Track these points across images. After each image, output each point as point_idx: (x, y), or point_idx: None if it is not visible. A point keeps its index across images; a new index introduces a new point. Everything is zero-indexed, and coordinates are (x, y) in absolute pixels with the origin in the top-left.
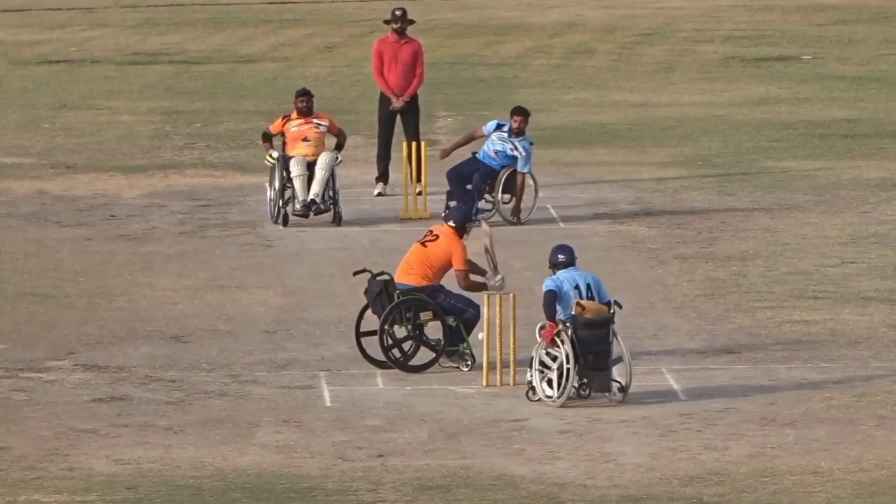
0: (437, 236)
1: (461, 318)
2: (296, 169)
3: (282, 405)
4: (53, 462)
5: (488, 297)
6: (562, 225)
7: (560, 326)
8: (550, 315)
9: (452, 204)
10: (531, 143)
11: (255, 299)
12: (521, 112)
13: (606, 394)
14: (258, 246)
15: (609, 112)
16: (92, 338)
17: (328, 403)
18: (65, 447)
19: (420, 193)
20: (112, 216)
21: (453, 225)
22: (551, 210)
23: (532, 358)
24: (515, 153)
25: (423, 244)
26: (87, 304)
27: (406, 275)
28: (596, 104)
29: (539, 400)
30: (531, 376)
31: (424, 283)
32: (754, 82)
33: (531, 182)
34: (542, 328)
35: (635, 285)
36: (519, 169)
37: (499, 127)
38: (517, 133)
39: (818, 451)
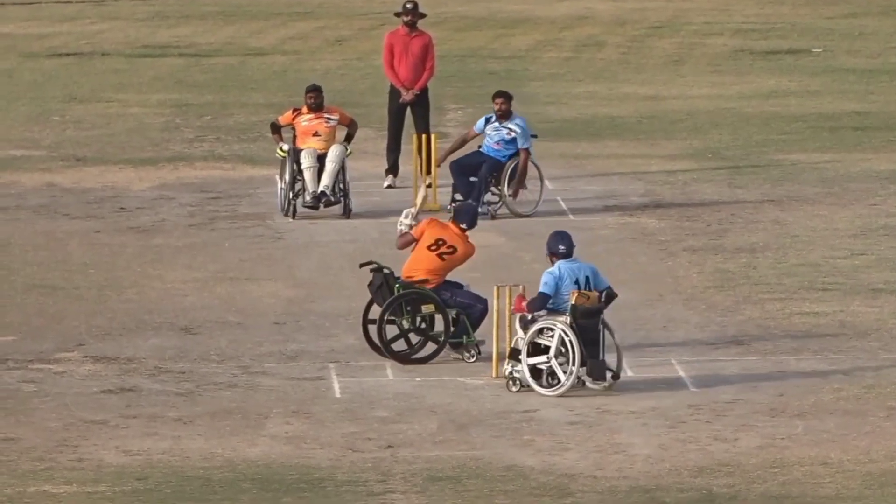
0: (454, 248)
1: (468, 313)
2: (306, 160)
3: (291, 396)
4: (63, 453)
5: (498, 289)
6: (571, 217)
7: (534, 313)
8: (534, 310)
9: (458, 197)
10: (529, 126)
11: (264, 291)
12: (501, 94)
13: (599, 382)
14: (268, 238)
15: (619, 105)
16: (101, 329)
17: (338, 395)
18: (74, 438)
19: (430, 186)
20: (121, 208)
21: (465, 227)
22: (561, 202)
23: (513, 350)
24: (513, 135)
25: (440, 257)
26: (96, 296)
27: (413, 273)
28: (606, 97)
29: (520, 390)
30: (512, 367)
31: (432, 282)
32: (764, 75)
33: (536, 170)
34: (524, 320)
35: (645, 277)
36: (519, 146)
37: (487, 121)
38: (503, 115)
39: (827, 442)
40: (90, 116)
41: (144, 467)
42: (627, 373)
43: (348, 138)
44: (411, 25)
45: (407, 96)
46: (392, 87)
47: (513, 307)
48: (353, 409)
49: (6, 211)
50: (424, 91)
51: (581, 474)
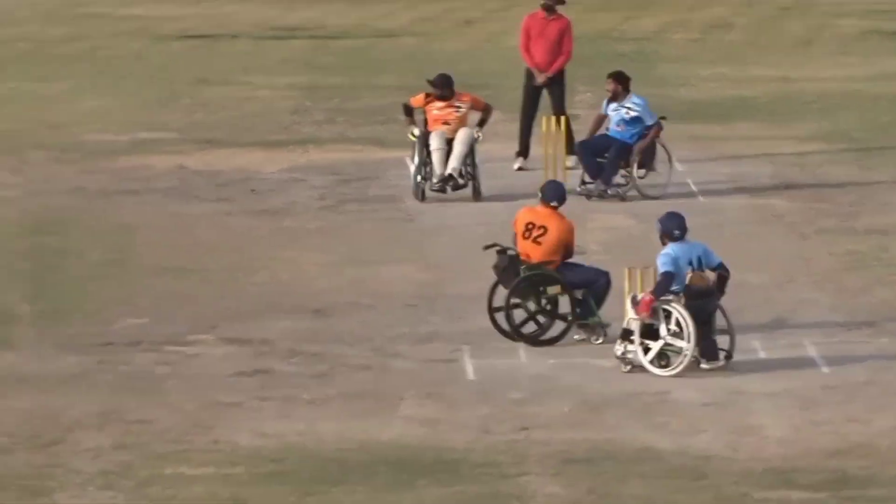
0: (545, 229)
1: (592, 288)
2: (435, 142)
3: (425, 378)
4: (198, 435)
5: (630, 272)
6: (701, 199)
7: (661, 301)
8: (661, 294)
9: (587, 179)
10: (649, 105)
11: (396, 273)
12: (610, 75)
13: (712, 362)
14: (399, 220)
15: (748, 86)
16: (234, 312)
17: (471, 377)
18: (209, 420)
19: (569, 168)
20: (252, 191)
21: (556, 205)
22: (691, 184)
23: (625, 330)
24: (633, 114)
25: (535, 242)
26: (227, 279)
27: (528, 257)
28: (734, 79)
29: (631, 370)
30: (625, 348)
31: (551, 265)
32: (893, 56)
33: (665, 152)
34: (634, 301)
35: (775, 259)
36: (647, 123)
37: (609, 102)
38: (615, 96)
39: None
40: (219, 99)
41: (280, 449)
42: (759, 354)
43: (481, 123)
44: (549, 9)
45: (539, 79)
46: (528, 69)
47: (641, 311)
48: (487, 390)
49: (137, 194)
50: (561, 73)
51: (715, 456)
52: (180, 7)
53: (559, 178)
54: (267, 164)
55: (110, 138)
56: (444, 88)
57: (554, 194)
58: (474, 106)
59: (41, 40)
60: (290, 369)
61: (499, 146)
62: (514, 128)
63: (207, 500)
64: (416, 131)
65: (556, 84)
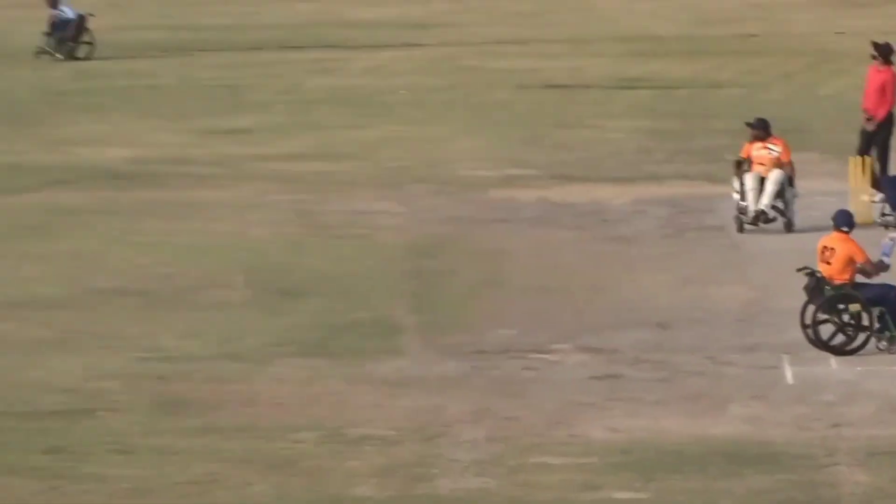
0: (833, 250)
1: (886, 303)
2: (749, 182)
3: (751, 383)
4: (557, 430)
5: None
6: None
7: None
8: None
9: (887, 210)
10: None
11: (725, 293)
12: None
13: None
14: (727, 247)
15: None
16: (588, 325)
17: (790, 382)
18: (567, 418)
19: (874, 201)
20: (604, 220)
21: (846, 230)
22: None
23: None
24: None
25: (827, 263)
26: (584, 297)
27: (830, 278)
28: None
29: None
30: None
31: (845, 279)
32: None
33: None
34: None
35: None
36: None
37: None
38: None
39: None
40: (575, 140)
41: (628, 443)
42: None
43: (790, 182)
44: (877, 60)
45: (865, 123)
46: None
47: None
48: (804, 394)
49: (506, 222)
50: (888, 119)
51: None
52: (542, 61)
53: (862, 210)
54: (616, 197)
55: (483, 174)
56: (759, 129)
57: (843, 220)
58: (782, 156)
59: (421, 89)
60: (637, 374)
61: (814, 182)
62: (828, 167)
63: (565, 486)
64: (737, 186)
65: (882, 129)
